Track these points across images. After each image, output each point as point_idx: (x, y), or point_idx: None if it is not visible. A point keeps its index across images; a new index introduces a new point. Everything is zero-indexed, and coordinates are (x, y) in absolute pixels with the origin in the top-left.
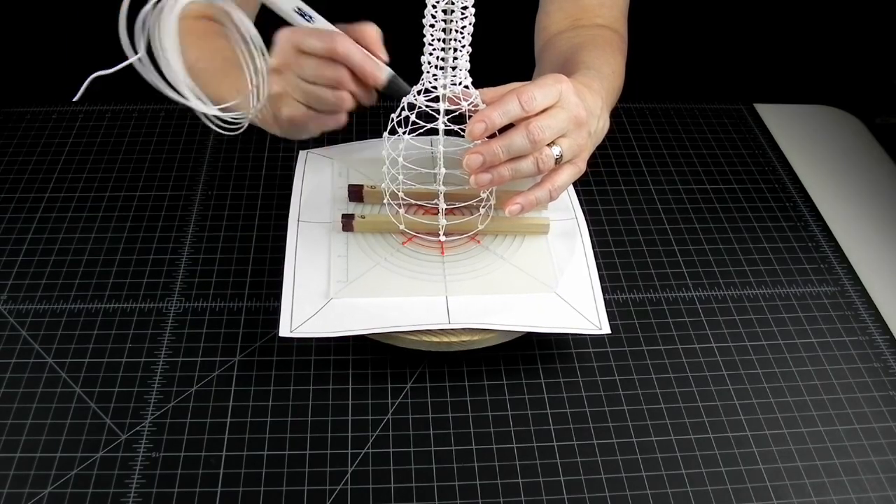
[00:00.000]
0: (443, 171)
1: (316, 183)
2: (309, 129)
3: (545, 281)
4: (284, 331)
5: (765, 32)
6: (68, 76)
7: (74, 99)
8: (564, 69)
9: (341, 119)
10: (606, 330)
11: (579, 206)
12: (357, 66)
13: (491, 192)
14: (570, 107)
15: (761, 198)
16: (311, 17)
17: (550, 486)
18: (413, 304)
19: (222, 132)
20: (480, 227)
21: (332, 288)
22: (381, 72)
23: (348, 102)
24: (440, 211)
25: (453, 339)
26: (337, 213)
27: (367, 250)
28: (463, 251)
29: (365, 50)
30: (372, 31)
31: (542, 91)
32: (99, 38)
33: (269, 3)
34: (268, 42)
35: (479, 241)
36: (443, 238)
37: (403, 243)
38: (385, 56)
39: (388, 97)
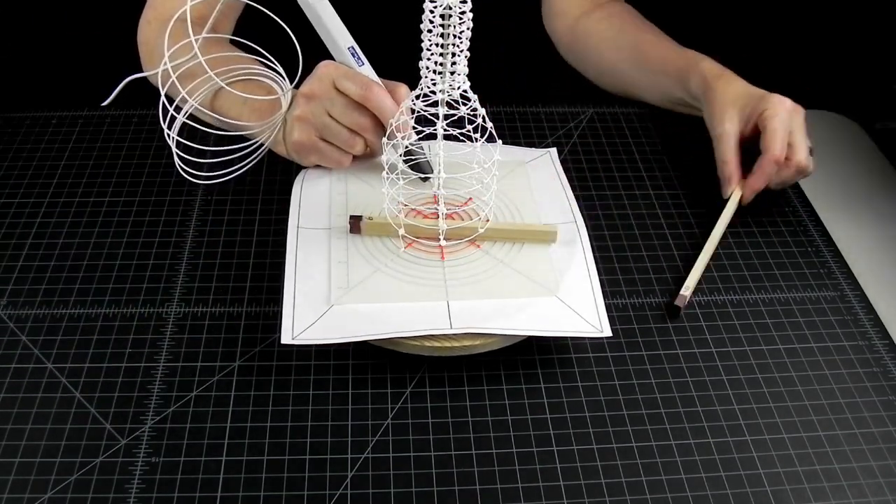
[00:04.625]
0: (442, 175)
1: (315, 189)
2: (310, 159)
3: (546, 285)
4: (286, 338)
5: (765, 37)
6: (68, 81)
7: (104, 103)
8: (667, 66)
9: (345, 161)
10: (608, 332)
11: (578, 210)
12: (384, 121)
13: (491, 195)
14: (786, 121)
15: (761, 203)
16: (361, 61)
17: (550, 490)
18: (415, 310)
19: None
20: (481, 231)
21: (334, 294)
22: (408, 137)
23: (359, 148)
24: (440, 215)
25: (455, 343)
26: (336, 218)
27: (367, 256)
28: (463, 256)
29: (397, 107)
30: (402, 93)
31: (782, 141)
32: (99, 43)
33: (324, 37)
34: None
35: (479, 246)
36: (443, 243)
37: (404, 248)
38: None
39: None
